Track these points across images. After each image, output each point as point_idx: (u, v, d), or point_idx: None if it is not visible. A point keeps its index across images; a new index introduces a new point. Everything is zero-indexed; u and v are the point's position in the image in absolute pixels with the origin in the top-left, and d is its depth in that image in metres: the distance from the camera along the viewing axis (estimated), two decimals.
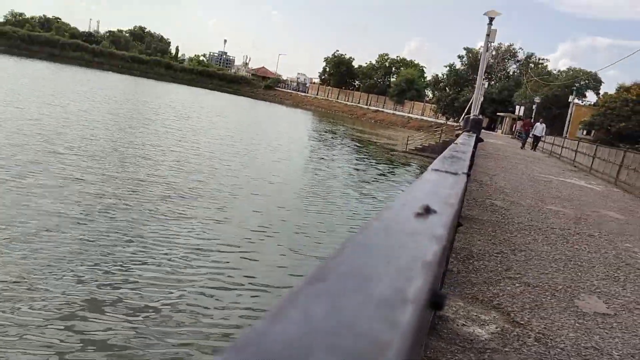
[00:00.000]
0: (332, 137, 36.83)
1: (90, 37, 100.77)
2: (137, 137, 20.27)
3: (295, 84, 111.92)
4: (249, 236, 10.28)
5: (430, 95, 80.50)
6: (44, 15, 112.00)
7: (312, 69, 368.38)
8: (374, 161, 27.09)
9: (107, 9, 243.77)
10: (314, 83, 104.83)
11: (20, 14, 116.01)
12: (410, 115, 69.69)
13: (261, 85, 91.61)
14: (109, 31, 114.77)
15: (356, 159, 26.75)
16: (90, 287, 6.92)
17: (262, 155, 22.02)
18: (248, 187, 14.97)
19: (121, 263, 7.92)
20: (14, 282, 6.65)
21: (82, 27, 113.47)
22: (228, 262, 8.71)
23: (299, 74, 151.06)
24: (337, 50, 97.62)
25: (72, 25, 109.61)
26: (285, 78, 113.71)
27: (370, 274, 0.59)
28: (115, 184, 12.50)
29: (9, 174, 11.40)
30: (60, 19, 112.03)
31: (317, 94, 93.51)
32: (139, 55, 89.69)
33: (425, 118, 66.32)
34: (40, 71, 49.02)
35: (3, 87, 28.57)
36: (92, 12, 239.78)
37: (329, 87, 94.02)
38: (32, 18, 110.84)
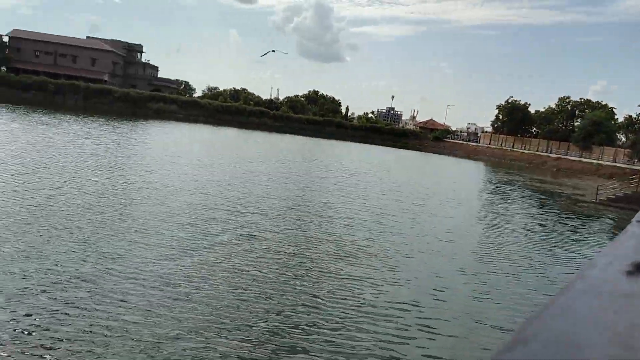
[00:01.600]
0: (509, 189, 34.27)
1: (271, 104, 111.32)
2: (309, 194, 20.91)
3: (465, 134, 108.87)
4: (426, 303, 9.44)
5: (624, 139, 71.48)
6: (233, 87, 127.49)
7: (483, 118, 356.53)
8: (560, 215, 24.27)
9: (287, 78, 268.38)
10: (486, 132, 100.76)
11: (215, 88, 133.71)
12: (599, 161, 62.43)
13: (429, 138, 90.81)
14: (287, 97, 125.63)
15: (539, 213, 24.24)
16: (264, 350, 6.75)
17: (433, 210, 21.08)
18: (420, 246, 14.19)
19: (294, 324, 7.70)
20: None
21: (265, 95, 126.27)
22: (404, 330, 8.00)
23: (469, 124, 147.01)
24: (511, 97, 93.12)
25: (256, 95, 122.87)
26: (454, 129, 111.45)
27: (578, 341, 0.53)
28: (289, 241, 12.72)
29: (192, 233, 12.27)
30: (247, 89, 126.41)
31: (489, 143, 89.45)
32: (312, 117, 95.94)
33: (618, 164, 58.78)
34: (229, 137, 54.81)
35: (194, 151, 32.20)
36: (275, 80, 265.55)
37: (502, 135, 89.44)
38: (224, 91, 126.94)
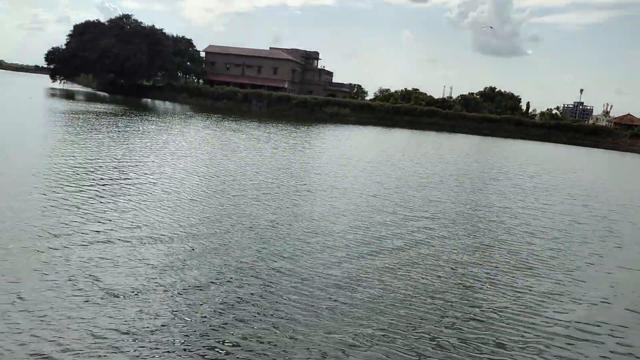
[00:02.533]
0: None
1: (443, 103, 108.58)
2: (482, 198, 19.68)
3: None
4: (628, 326, 8.10)
5: None
6: (405, 88, 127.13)
7: None
8: None
9: (460, 76, 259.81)
10: None
11: (386, 90, 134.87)
12: None
13: (626, 135, 79.90)
14: (461, 95, 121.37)
15: None
16: None
17: (633, 219, 18.31)
18: (617, 259, 12.34)
19: (463, 339, 7.16)
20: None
21: (437, 95, 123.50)
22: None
23: None
24: None
25: (428, 94, 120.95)
26: None
27: None
28: (460, 248, 12.02)
29: (360, 236, 12.25)
30: (418, 89, 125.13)
31: None
32: (488, 115, 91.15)
33: None
34: (398, 138, 54.63)
35: (363, 153, 32.53)
36: (448, 78, 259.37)
37: None
38: (395, 92, 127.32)
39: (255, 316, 7.27)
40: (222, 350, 6.27)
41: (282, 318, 7.30)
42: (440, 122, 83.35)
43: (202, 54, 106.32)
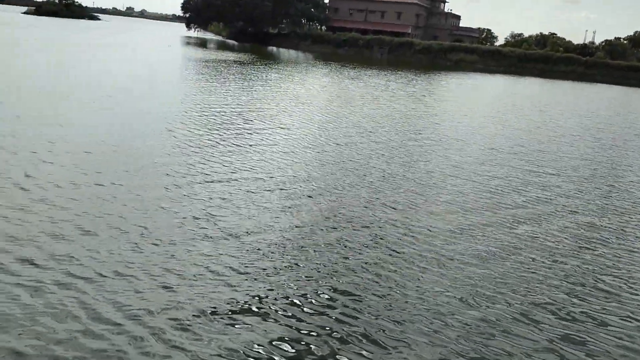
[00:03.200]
0: None
1: (584, 50, 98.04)
2: (619, 155, 17.78)
3: None
4: None
5: None
6: (540, 32, 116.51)
7: None
8: None
9: (604, 18, 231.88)
10: None
11: (519, 35, 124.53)
12: None
13: None
14: (605, 40, 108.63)
15: None
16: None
17: None
18: None
19: (599, 323, 6.66)
20: None
21: (577, 40, 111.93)
22: None
23: None
24: None
25: (566, 40, 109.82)
26: None
27: None
28: (591, 210, 11.04)
29: (475, 191, 11.71)
30: (555, 34, 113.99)
31: None
32: (637, 63, 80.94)
33: None
34: (528, 88, 50.73)
35: (486, 104, 30.71)
36: (590, 21, 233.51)
37: None
38: (529, 37, 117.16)
39: (362, 266, 7.33)
40: (331, 297, 6.42)
41: (388, 270, 7.29)
42: (578, 71, 75.79)
43: (326, 0, 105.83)
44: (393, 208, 9.93)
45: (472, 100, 31.49)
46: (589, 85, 61.76)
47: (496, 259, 7.98)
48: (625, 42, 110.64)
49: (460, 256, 7.93)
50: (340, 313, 6.01)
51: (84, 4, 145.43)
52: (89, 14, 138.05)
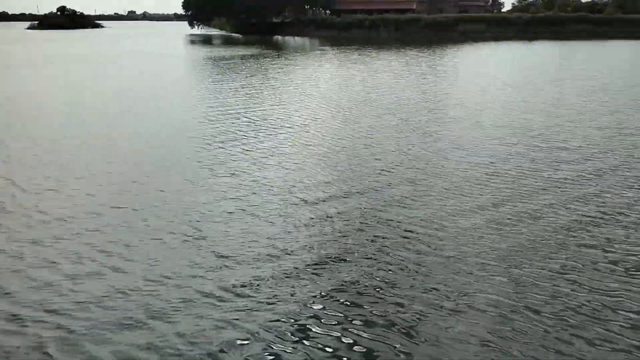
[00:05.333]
0: None
1: (594, 7, 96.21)
2: (635, 118, 17.76)
3: None
4: None
5: None
6: None
7: None
8: None
9: None
10: None
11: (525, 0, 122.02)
12: None
13: None
14: None
15: None
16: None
17: None
18: None
19: None
20: None
21: None
22: None
23: None
24: None
25: None
26: None
27: None
28: (611, 184, 11.23)
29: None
30: None
31: None
32: None
33: None
34: (538, 52, 50.10)
35: (487, 76, 30.59)
36: None
37: None
38: (536, 0, 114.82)
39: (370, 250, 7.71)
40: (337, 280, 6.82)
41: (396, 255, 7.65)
42: (589, 29, 74.43)
43: None
44: (393, 201, 10.24)
45: (479, 75, 31.35)
46: (600, 42, 60.68)
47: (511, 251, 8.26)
48: None
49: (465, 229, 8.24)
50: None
51: (85, 12, 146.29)
52: (92, 22, 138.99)
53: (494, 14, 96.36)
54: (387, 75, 29.60)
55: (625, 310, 6.12)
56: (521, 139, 14.62)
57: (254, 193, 10.21)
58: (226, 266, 7.24)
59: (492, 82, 27.06)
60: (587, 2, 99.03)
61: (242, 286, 6.70)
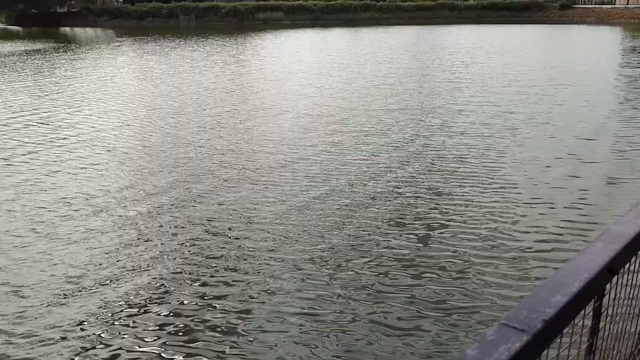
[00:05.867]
0: None
1: None
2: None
3: None
4: None
5: None
6: None
7: None
8: None
9: None
10: None
11: None
12: None
13: (555, 7, 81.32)
14: None
15: None
16: None
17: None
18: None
19: None
20: None
21: None
22: None
23: None
24: None
25: None
26: None
27: None
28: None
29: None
30: None
31: (627, 3, 78.01)
32: (422, 2, 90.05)
33: None
34: (335, 37, 53.77)
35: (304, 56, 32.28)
36: None
37: None
38: None
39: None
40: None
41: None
42: (376, 16, 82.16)
43: None
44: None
45: (279, 64, 32.65)
46: (385, 28, 67.22)
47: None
48: None
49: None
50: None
51: None
52: None
53: (292, 2, 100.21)
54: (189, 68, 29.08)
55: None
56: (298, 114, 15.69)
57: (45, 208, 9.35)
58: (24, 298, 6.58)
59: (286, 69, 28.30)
60: None
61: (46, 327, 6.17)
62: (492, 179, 10.61)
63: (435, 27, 67.03)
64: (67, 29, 76.31)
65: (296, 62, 31.57)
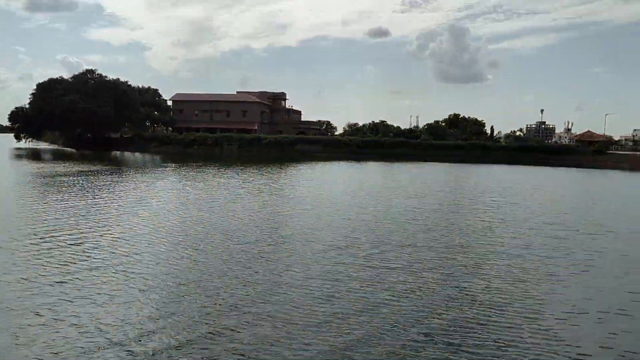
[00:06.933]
0: None
1: (410, 133, 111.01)
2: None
3: (631, 143, 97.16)
4: None
5: None
6: (372, 121, 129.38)
7: None
8: None
9: (425, 105, 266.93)
10: None
11: (355, 124, 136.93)
12: None
13: (588, 152, 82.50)
14: (427, 124, 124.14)
15: None
16: None
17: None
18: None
19: None
20: None
21: (405, 125, 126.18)
22: None
23: (635, 130, 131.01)
24: None
25: (395, 125, 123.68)
26: (617, 138, 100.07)
27: None
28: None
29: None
30: (385, 121, 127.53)
31: None
32: (454, 142, 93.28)
33: None
34: (366, 171, 55.19)
35: (325, 192, 32.82)
36: (413, 108, 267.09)
37: None
38: (363, 125, 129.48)
39: None
40: None
41: None
42: (409, 152, 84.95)
43: (169, 103, 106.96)
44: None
45: (317, 191, 33.26)
46: (420, 164, 69.00)
47: None
48: (443, 124, 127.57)
49: None
50: None
51: None
52: None
53: (329, 137, 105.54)
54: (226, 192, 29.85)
55: None
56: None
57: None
58: None
59: (324, 196, 28.68)
60: (405, 129, 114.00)
61: None
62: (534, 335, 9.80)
63: (466, 166, 68.43)
64: (118, 152, 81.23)
65: (327, 193, 32.13)
